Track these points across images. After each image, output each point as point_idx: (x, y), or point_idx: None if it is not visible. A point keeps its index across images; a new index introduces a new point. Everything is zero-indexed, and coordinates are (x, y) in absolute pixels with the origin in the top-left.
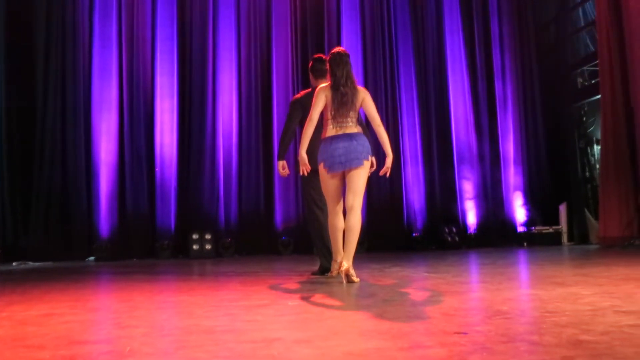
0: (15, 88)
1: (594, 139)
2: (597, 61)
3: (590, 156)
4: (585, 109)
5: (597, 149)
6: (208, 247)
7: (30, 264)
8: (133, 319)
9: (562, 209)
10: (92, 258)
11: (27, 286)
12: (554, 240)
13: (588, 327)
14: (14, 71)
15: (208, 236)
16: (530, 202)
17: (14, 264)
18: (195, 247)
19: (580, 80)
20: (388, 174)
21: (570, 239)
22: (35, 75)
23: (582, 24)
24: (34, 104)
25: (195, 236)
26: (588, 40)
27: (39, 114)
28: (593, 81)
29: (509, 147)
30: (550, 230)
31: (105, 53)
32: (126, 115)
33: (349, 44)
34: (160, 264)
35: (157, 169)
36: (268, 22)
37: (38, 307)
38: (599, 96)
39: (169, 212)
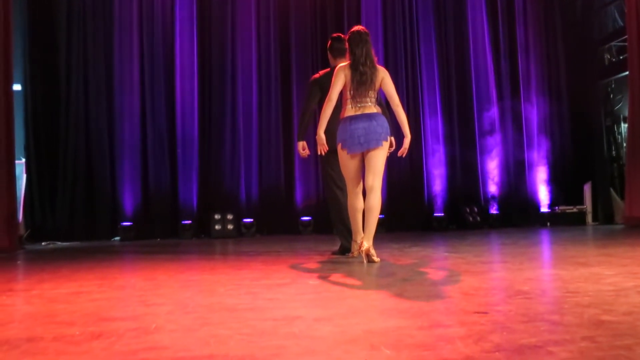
0: (39, 71)
1: (621, 116)
2: (626, 36)
3: (617, 134)
4: (613, 86)
5: (624, 127)
6: (230, 227)
7: (58, 243)
8: (158, 296)
9: (587, 188)
10: (117, 238)
11: (56, 265)
12: (578, 220)
13: (610, 307)
14: (37, 54)
15: (230, 216)
16: (554, 181)
17: (42, 243)
18: (217, 227)
19: (607, 56)
20: (405, 155)
21: (594, 219)
22: (58, 58)
23: None
24: (57, 87)
25: (217, 216)
26: (616, 15)
27: (62, 96)
28: (621, 57)
29: (533, 125)
30: (574, 210)
31: (125, 34)
32: (147, 96)
33: (369, 22)
34: (183, 244)
35: (179, 151)
36: (287, 1)
37: (67, 285)
38: (626, 73)
39: (191, 192)
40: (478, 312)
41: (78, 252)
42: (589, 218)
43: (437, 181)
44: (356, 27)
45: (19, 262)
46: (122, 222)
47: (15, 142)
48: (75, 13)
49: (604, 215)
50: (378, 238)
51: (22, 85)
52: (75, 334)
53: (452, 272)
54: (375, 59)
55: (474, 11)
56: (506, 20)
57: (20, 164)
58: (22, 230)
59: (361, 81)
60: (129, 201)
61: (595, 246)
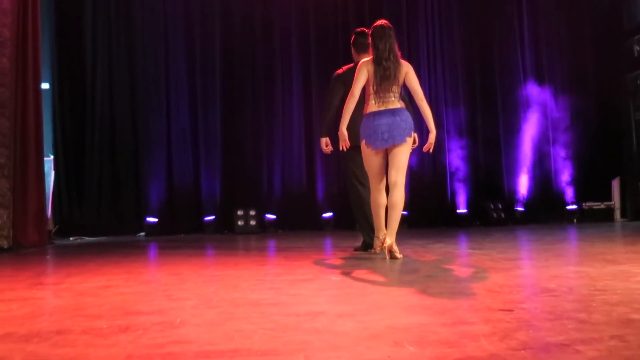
0: (65, 70)
1: None
2: None
3: None
4: None
5: None
6: (252, 222)
7: (86, 239)
8: (182, 291)
9: (615, 184)
10: (142, 233)
11: (84, 259)
12: (605, 216)
13: None
14: (64, 54)
15: (252, 212)
16: (581, 176)
17: (70, 238)
18: (240, 222)
19: (637, 47)
20: (431, 150)
21: (623, 215)
22: (84, 57)
23: None
24: (83, 85)
25: (240, 212)
26: None
27: (88, 94)
28: None
29: (559, 119)
30: (602, 206)
31: (148, 31)
32: (172, 92)
33: (391, 15)
34: (207, 239)
35: (202, 146)
36: None
37: (95, 279)
38: None
39: (214, 188)
40: (503, 310)
41: (105, 247)
42: (617, 214)
43: (461, 177)
44: (380, 21)
45: (48, 256)
46: (148, 217)
47: (43, 139)
48: (100, 12)
49: (633, 211)
50: (400, 234)
51: (49, 84)
52: (103, 327)
53: (476, 269)
54: (399, 53)
55: (499, 3)
56: (531, 10)
57: (49, 160)
58: (50, 226)
59: (385, 76)
60: (154, 197)
61: (624, 243)
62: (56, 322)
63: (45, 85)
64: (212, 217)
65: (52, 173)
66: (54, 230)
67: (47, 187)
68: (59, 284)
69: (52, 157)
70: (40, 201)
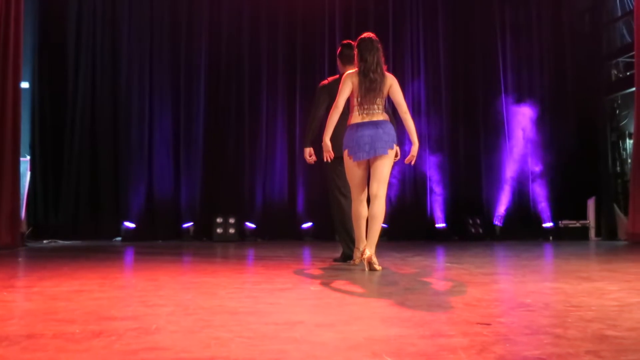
0: (47, 70)
1: (627, 132)
2: (633, 53)
3: (622, 150)
4: (619, 101)
5: (629, 143)
6: (231, 230)
7: (60, 242)
8: (159, 297)
9: (591, 203)
10: (118, 238)
11: (58, 263)
12: (581, 235)
13: (614, 322)
14: (45, 53)
15: (232, 220)
16: (558, 195)
17: (44, 241)
18: (219, 230)
19: (614, 72)
20: (413, 163)
21: (597, 234)
22: (66, 58)
23: (619, 13)
24: (64, 86)
25: (219, 220)
26: (624, 31)
27: (69, 95)
28: (628, 73)
29: (538, 139)
30: (578, 224)
31: (134, 36)
32: (155, 97)
33: (376, 27)
34: (185, 246)
35: (183, 153)
36: (295, 8)
37: (68, 283)
38: (633, 89)
39: (194, 195)
40: (481, 323)
41: (80, 251)
42: (592, 233)
43: (440, 191)
44: (367, 34)
45: (20, 259)
46: (125, 222)
47: (20, 139)
48: (85, 14)
49: (607, 230)
50: (380, 247)
51: (29, 84)
52: (75, 332)
53: (454, 283)
54: (385, 66)
55: (482, 24)
56: (514, 32)
57: (25, 161)
58: (24, 228)
59: (370, 88)
60: (132, 202)
61: (599, 261)
62: (26, 326)
63: (25, 84)
64: (190, 224)
65: (28, 174)
66: (27, 233)
67: (22, 188)
68: (30, 287)
69: (28, 157)
70: (15, 202)
